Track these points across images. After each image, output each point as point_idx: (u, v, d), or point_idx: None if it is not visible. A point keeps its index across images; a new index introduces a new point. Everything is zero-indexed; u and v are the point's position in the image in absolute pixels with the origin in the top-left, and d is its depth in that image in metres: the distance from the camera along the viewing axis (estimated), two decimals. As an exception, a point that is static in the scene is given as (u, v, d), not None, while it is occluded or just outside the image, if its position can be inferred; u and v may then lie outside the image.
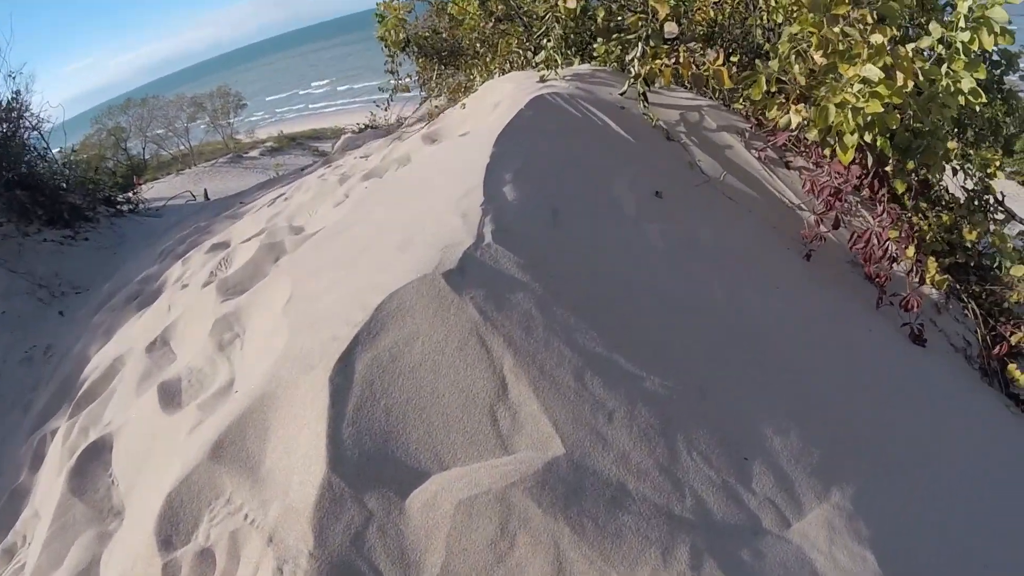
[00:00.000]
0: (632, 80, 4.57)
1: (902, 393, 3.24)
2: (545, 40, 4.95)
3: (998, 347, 4.41)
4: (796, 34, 3.88)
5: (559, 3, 4.79)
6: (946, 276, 4.14)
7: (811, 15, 3.71)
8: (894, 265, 4.07)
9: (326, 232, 3.28)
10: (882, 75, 3.20)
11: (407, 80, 9.02)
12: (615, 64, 5.32)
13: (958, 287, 4.60)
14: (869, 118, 3.42)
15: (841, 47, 3.37)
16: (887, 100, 3.27)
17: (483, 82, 5.50)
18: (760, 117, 5.06)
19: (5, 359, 6.37)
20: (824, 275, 4.06)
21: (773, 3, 4.72)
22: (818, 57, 3.72)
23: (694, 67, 4.43)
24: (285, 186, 6.82)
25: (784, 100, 4.34)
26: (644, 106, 4.50)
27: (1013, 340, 4.42)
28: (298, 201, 4.64)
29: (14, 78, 10.42)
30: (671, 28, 4.43)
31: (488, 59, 5.74)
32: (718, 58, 4.36)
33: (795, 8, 4.67)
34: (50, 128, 11.15)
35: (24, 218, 9.03)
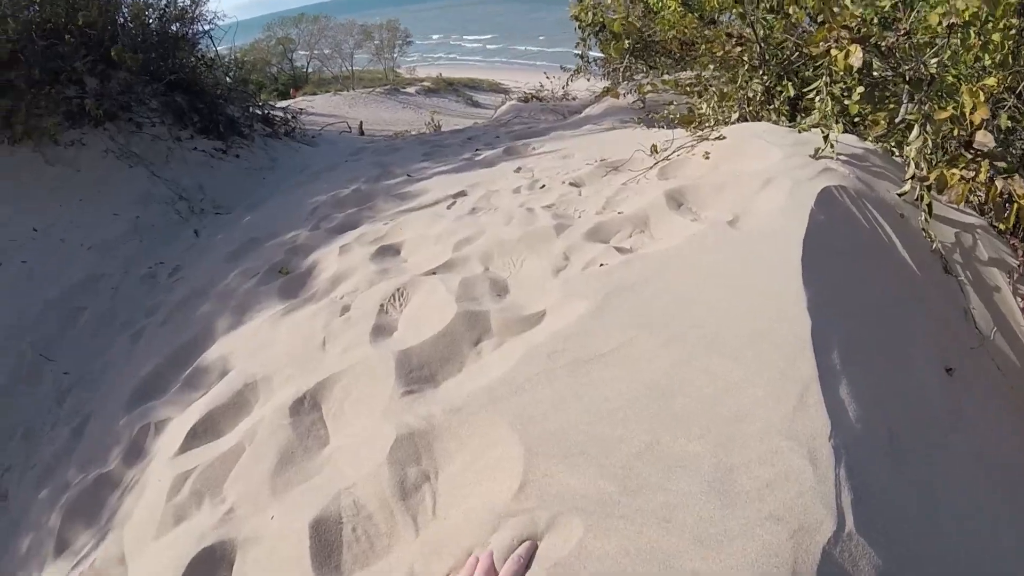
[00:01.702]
0: (914, 183, 3.77)
1: None
2: (817, 98, 4.08)
3: None
4: None
5: (837, 56, 3.92)
6: None
7: None
8: None
9: (564, 367, 2.35)
10: None
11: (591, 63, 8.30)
12: (875, 139, 4.46)
13: None
14: None
15: None
16: None
17: (715, 115, 4.65)
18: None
19: (128, 270, 5.83)
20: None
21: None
22: None
23: (998, 195, 3.59)
24: (459, 166, 5.97)
25: None
26: (926, 220, 3.70)
27: None
28: (493, 228, 3.78)
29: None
30: (985, 140, 3.59)
31: (722, 89, 4.86)
32: (1032, 193, 3.52)
33: None
34: (223, 33, 10.67)
35: (179, 122, 8.49)
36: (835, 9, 4.04)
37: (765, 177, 3.32)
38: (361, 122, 12.51)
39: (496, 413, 2.15)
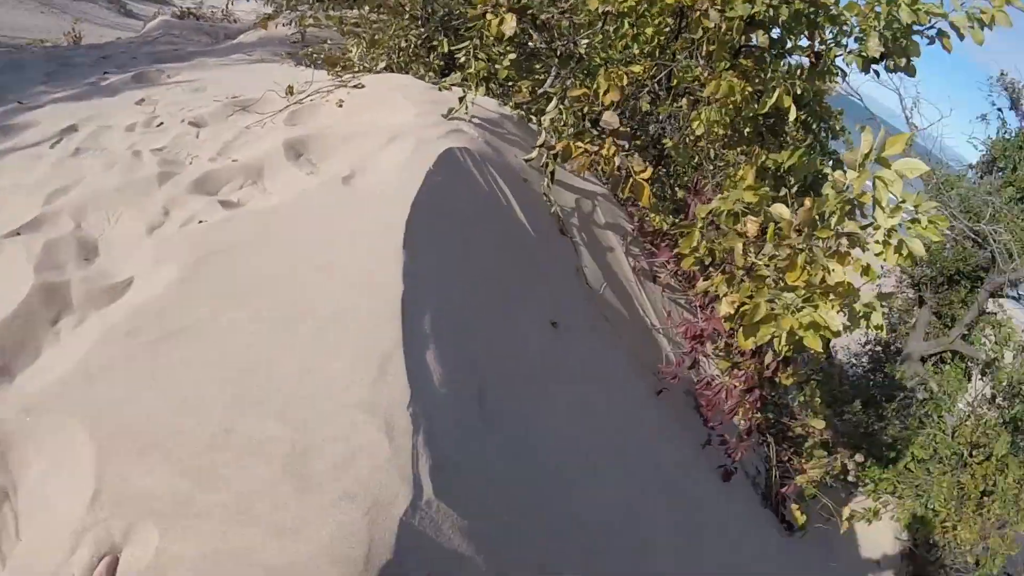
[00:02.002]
0: (542, 151, 3.92)
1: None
2: (463, 59, 4.08)
3: (786, 487, 4.94)
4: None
5: (491, 22, 3.94)
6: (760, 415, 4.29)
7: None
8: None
9: (143, 347, 2.03)
10: (838, 324, 2.82)
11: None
12: (515, 105, 4.58)
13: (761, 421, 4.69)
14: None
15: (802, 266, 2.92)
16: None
17: (362, 62, 4.47)
18: (642, 221, 4.68)
19: None
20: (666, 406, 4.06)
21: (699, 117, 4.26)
22: (752, 228, 3.33)
23: (616, 169, 3.86)
24: (80, 92, 5.06)
25: (711, 263, 3.92)
26: (548, 186, 3.87)
27: (798, 481, 5.00)
28: (92, 176, 3.23)
29: None
30: (611, 119, 3.81)
31: (374, 36, 4.68)
32: (645, 170, 3.83)
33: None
34: None
35: None
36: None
37: (392, 133, 3.22)
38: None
39: (68, 409, 1.85)
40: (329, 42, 5.58)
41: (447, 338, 2.23)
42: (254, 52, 6.19)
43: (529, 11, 4.33)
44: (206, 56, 6.34)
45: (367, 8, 6.17)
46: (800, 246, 2.90)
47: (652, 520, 3.04)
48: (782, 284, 3.00)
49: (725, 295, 3.61)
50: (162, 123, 3.85)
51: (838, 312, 2.87)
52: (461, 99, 3.70)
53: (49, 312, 2.38)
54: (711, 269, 4.05)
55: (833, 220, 2.84)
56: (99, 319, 2.33)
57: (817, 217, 2.87)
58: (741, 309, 3.15)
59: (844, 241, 2.88)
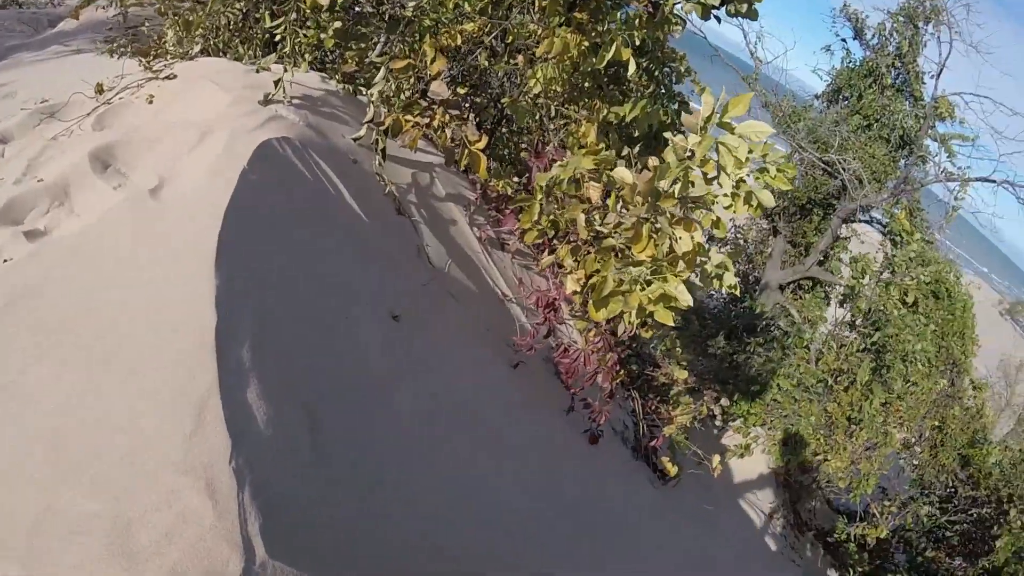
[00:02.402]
0: (371, 127, 3.82)
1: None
2: (280, 36, 3.92)
3: (654, 440, 5.14)
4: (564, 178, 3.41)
5: None
6: (621, 372, 4.40)
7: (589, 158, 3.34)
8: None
9: None
10: (688, 297, 2.85)
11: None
12: (341, 78, 4.45)
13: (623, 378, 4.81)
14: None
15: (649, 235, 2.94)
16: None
17: (178, 50, 4.24)
18: (485, 187, 4.65)
19: None
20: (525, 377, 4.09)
21: (535, 75, 4.24)
22: (594, 195, 3.36)
23: (449, 139, 3.82)
24: None
25: (551, 236, 3.94)
26: (379, 164, 3.79)
27: (666, 432, 5.22)
28: None
29: None
30: (439, 89, 3.75)
31: (187, 17, 4.42)
32: (479, 140, 3.80)
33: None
34: None
35: None
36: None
37: (204, 129, 3.09)
38: None
39: None
40: (147, 24, 5.26)
41: (270, 368, 2.18)
42: (73, 41, 5.78)
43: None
44: (24, 51, 5.88)
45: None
46: (645, 215, 2.90)
47: (511, 496, 3.10)
48: (629, 256, 3.01)
49: (571, 272, 3.66)
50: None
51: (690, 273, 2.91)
52: (277, 81, 3.56)
53: None
54: (556, 241, 4.09)
55: (677, 188, 2.82)
56: None
57: (660, 185, 2.84)
58: (590, 282, 3.16)
59: (690, 206, 2.90)
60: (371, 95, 3.91)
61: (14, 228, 2.77)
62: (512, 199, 4.53)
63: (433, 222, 4.05)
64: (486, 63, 5.12)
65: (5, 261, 2.58)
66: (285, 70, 3.67)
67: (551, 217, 3.74)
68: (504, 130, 5.71)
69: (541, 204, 3.69)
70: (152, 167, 2.95)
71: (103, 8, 6.58)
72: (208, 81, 3.56)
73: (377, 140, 3.80)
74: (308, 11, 3.92)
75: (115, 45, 4.37)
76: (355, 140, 3.83)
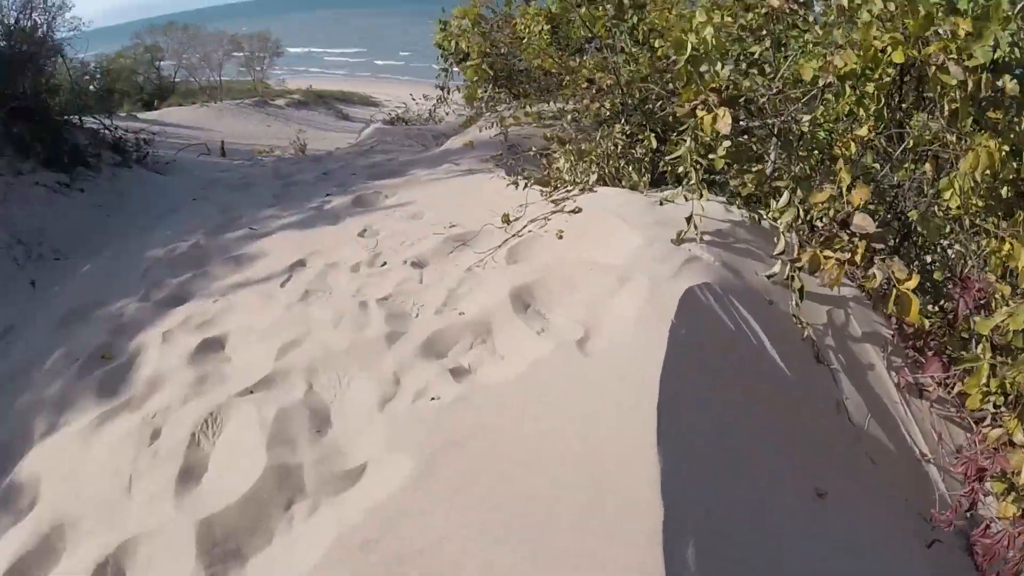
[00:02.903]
0: (784, 262, 3.47)
1: None
2: (682, 169, 3.74)
3: None
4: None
5: (704, 119, 3.58)
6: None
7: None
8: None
9: (377, 566, 1.89)
10: None
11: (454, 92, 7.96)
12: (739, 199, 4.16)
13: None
14: None
15: None
16: None
17: (572, 177, 4.25)
18: (901, 322, 4.06)
19: None
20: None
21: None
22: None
23: (876, 278, 3.33)
24: (306, 218, 5.35)
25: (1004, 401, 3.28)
26: (796, 306, 3.40)
27: None
28: (321, 329, 3.25)
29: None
30: (864, 223, 3.31)
31: (580, 147, 4.46)
32: (910, 277, 3.28)
33: None
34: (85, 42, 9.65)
35: (20, 154, 7.41)
36: (702, 71, 3.70)
37: (620, 274, 2.94)
38: (223, 142, 11.65)
39: None
40: (533, 150, 5.46)
41: (716, 569, 1.86)
42: (462, 160, 6.24)
43: (741, 99, 3.95)
44: (417, 167, 6.49)
45: (566, 99, 6.06)
46: None
47: None
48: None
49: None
50: (385, 263, 3.85)
51: None
52: (688, 218, 3.35)
53: (282, 496, 2.37)
54: (1003, 408, 3.38)
55: None
56: (332, 510, 2.26)
57: None
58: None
59: None
60: (779, 225, 3.57)
61: (439, 362, 2.84)
62: (931, 334, 3.90)
63: (851, 369, 3.54)
64: (875, 165, 4.58)
65: (433, 399, 2.60)
66: (685, 198, 3.46)
67: (1000, 379, 3.09)
68: (910, 248, 5.05)
69: (991, 365, 3.06)
70: (573, 313, 2.85)
71: (486, 128, 7.08)
72: (614, 216, 3.44)
73: (792, 276, 3.42)
74: (708, 138, 3.71)
75: (518, 178, 4.47)
76: (769, 278, 3.48)
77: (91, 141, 8.61)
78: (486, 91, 6.54)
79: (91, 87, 9.82)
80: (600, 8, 5.37)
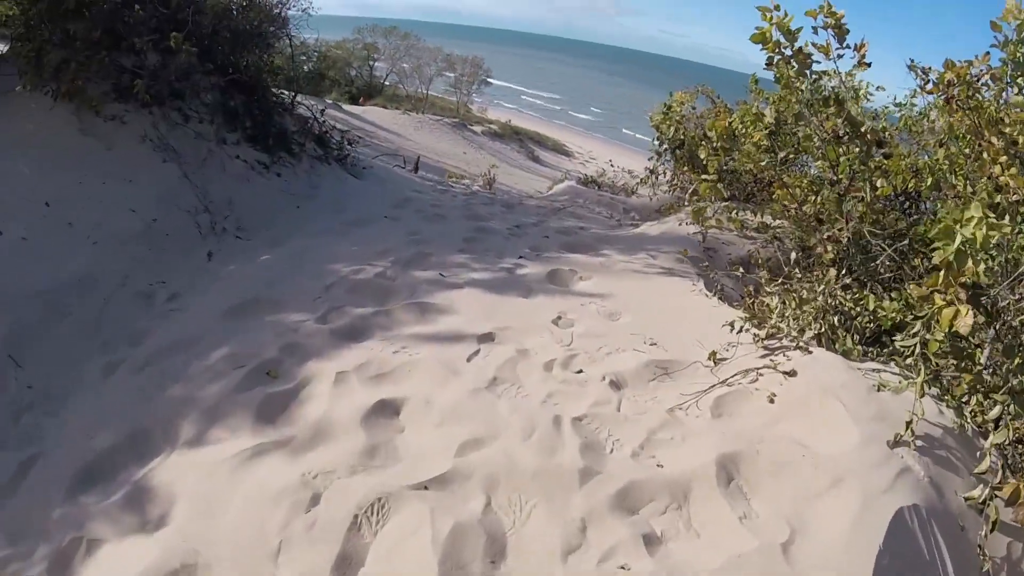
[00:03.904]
0: (984, 485, 3.33)
1: None
2: (909, 358, 3.65)
3: None
4: None
5: (943, 311, 3.45)
6: None
7: None
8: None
9: None
10: None
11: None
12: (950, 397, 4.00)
13: None
14: None
15: None
16: None
17: (787, 325, 4.20)
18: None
19: (125, 282, 5.41)
20: None
21: None
22: None
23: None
24: (496, 280, 5.45)
25: None
26: (985, 537, 3.25)
27: None
28: (509, 436, 3.22)
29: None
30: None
31: (801, 294, 4.39)
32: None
33: None
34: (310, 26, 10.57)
35: (228, 124, 7.93)
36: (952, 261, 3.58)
37: (834, 474, 2.90)
38: (418, 157, 12.09)
39: None
40: (732, 256, 5.41)
41: None
42: (658, 253, 6.24)
43: (984, 296, 3.80)
44: (611, 247, 6.54)
45: (775, 214, 5.98)
46: None
47: None
48: None
49: None
50: (581, 371, 3.86)
51: None
52: (908, 423, 3.27)
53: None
54: None
55: None
56: None
57: None
58: None
59: None
60: (987, 444, 3.43)
61: (631, 520, 2.76)
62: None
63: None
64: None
65: (622, 568, 2.54)
66: (907, 387, 3.37)
67: None
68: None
69: None
70: (779, 506, 2.79)
71: (686, 223, 7.08)
72: (833, 398, 3.38)
73: (986, 501, 3.29)
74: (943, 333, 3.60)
75: (734, 320, 4.43)
76: (966, 500, 3.36)
77: (299, 129, 9.06)
78: (716, 212, 6.53)
79: (305, 67, 10.39)
80: (847, 147, 5.25)
